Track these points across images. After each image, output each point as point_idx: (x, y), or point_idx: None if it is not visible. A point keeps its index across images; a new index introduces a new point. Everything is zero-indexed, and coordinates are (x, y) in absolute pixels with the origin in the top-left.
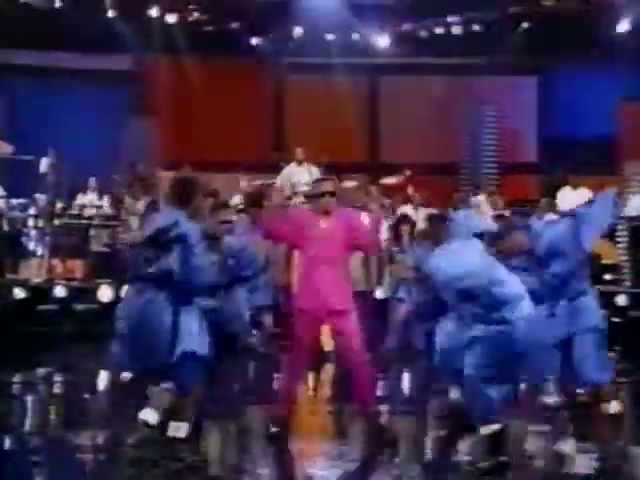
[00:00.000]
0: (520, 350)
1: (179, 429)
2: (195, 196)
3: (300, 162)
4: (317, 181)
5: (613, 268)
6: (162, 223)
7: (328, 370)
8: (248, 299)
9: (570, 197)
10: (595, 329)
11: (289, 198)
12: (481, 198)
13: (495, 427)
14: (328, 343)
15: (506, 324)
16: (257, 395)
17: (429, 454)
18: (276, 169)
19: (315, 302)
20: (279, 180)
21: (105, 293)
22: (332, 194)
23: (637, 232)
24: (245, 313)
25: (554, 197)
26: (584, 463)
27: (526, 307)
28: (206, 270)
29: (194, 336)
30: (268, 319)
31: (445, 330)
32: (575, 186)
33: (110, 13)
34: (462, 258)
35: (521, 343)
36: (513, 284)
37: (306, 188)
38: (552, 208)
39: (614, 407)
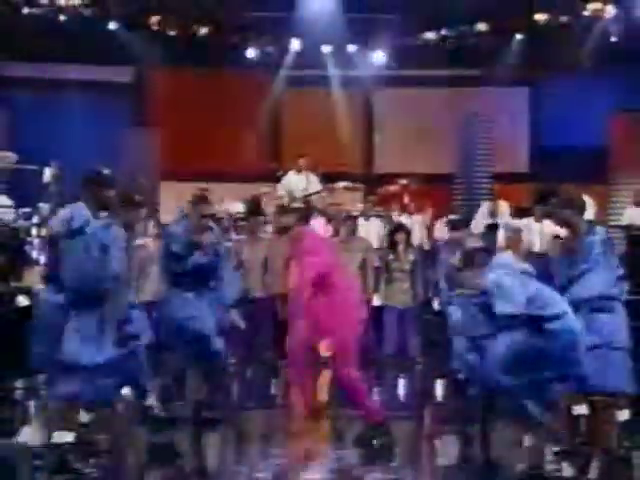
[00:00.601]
0: (559, 361)
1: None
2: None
3: (299, 170)
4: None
5: None
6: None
7: (325, 375)
8: (218, 299)
9: None
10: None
11: (283, 206)
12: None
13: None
14: (325, 350)
15: (550, 335)
16: (255, 400)
17: (424, 457)
18: (273, 179)
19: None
20: (279, 188)
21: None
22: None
23: (634, 241)
24: (212, 316)
25: (546, 205)
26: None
27: (570, 319)
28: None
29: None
30: (235, 315)
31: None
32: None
33: (111, 26)
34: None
35: (562, 354)
36: (555, 299)
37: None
38: (546, 215)
39: (624, 414)
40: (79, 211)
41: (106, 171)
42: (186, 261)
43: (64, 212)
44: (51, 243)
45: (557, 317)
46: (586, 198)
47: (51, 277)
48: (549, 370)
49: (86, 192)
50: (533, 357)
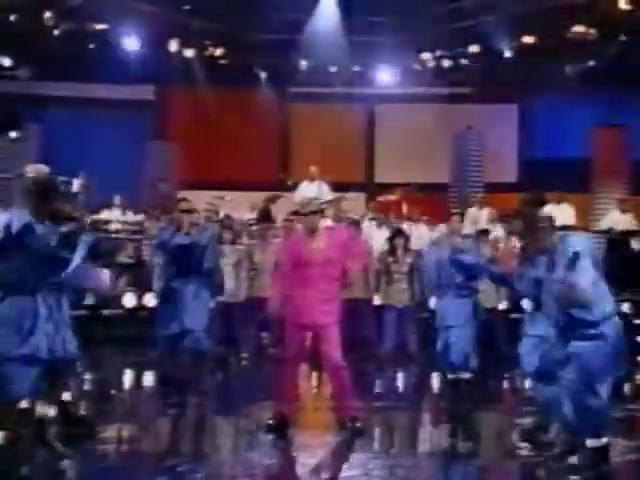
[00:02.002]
0: (613, 363)
1: None
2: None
3: (312, 179)
4: (303, 202)
5: None
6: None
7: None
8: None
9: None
10: None
11: (296, 212)
12: (482, 211)
13: (604, 441)
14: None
15: (601, 339)
16: (264, 392)
17: (420, 445)
18: (282, 187)
19: (304, 316)
20: (295, 197)
21: (129, 300)
22: (314, 213)
23: (613, 244)
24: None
25: None
26: None
27: (618, 322)
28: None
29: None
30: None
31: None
32: (559, 202)
33: (134, 48)
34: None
35: (614, 356)
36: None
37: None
38: None
39: None
40: (19, 216)
41: (57, 181)
42: (170, 245)
43: (3, 218)
44: None
45: None
46: (566, 206)
47: None
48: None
49: (33, 200)
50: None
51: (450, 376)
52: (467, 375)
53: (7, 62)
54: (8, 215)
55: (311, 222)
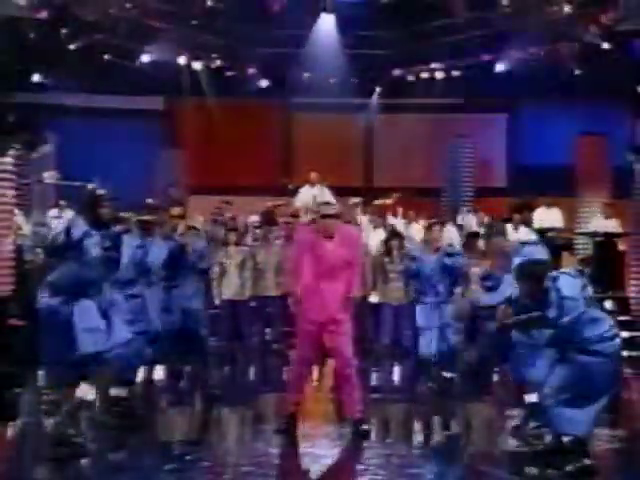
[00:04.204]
0: (604, 383)
1: None
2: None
3: (313, 184)
4: (321, 205)
5: None
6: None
7: (330, 364)
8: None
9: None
10: None
11: (296, 214)
12: (470, 215)
13: (586, 436)
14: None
15: (601, 356)
16: (269, 385)
17: (416, 436)
18: (285, 192)
19: (317, 312)
20: (296, 201)
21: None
22: (332, 217)
23: (600, 246)
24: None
25: (521, 213)
26: None
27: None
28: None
29: None
30: None
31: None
32: (549, 205)
33: (145, 60)
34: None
35: (607, 377)
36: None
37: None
38: (522, 223)
39: None
40: (76, 223)
41: (101, 191)
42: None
43: (61, 224)
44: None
45: None
46: (556, 210)
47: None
48: None
49: (84, 209)
50: None
51: (439, 373)
52: (452, 374)
53: (35, 77)
54: (64, 222)
55: (329, 225)
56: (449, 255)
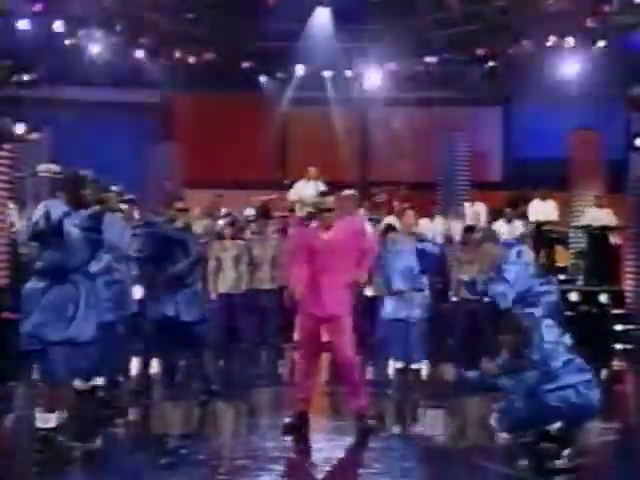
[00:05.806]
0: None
1: (48, 420)
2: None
3: (309, 179)
4: (320, 196)
5: (565, 269)
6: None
7: (324, 358)
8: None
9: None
10: None
11: (291, 209)
12: (471, 208)
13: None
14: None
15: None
16: (264, 378)
17: (412, 430)
18: (279, 186)
19: (317, 307)
20: (291, 195)
21: (137, 292)
22: (331, 210)
23: (594, 239)
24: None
25: (516, 208)
26: None
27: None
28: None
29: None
30: None
31: None
32: (544, 198)
33: (141, 55)
34: None
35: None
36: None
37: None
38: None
39: None
40: (56, 204)
41: (84, 172)
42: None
43: (41, 209)
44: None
45: None
46: (551, 202)
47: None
48: None
49: (65, 189)
50: None
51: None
52: (419, 365)
53: (26, 68)
54: (43, 207)
55: (328, 219)
56: (421, 241)
